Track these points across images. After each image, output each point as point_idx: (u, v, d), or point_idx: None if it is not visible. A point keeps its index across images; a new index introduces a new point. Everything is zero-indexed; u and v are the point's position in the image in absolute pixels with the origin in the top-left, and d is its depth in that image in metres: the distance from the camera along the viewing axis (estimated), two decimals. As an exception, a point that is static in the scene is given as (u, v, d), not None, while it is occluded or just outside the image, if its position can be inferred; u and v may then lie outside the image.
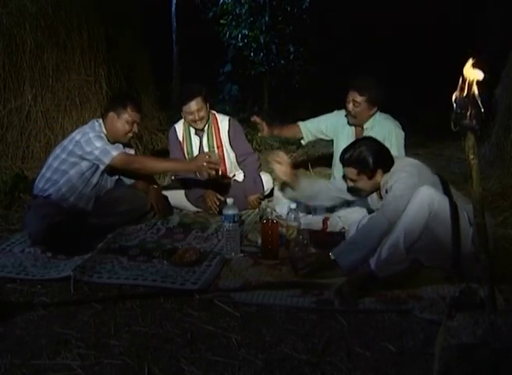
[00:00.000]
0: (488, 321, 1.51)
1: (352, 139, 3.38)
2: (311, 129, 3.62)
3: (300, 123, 3.66)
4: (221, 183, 3.61)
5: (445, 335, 1.52)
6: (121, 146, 3.15)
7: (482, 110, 1.62)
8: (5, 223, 3.29)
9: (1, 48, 4.05)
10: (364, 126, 3.34)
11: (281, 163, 2.87)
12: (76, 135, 3.04)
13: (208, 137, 3.59)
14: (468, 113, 1.61)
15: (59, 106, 4.30)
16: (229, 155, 3.65)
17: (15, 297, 2.37)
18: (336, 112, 3.54)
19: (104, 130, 3.09)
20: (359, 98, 3.21)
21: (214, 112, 3.66)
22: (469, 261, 2.31)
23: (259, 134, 3.58)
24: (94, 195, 3.16)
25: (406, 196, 2.37)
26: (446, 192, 2.44)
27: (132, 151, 3.33)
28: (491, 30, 6.44)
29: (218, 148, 3.60)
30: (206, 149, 3.59)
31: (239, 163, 3.69)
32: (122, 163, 3.03)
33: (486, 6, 6.88)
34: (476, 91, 1.61)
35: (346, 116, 3.38)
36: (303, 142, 3.78)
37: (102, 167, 3.04)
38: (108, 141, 3.08)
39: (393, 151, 3.22)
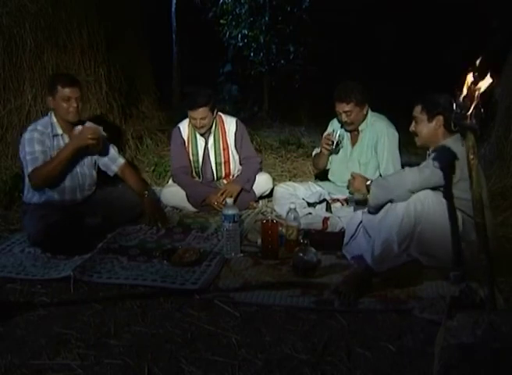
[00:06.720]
0: (488, 321, 1.51)
1: (349, 144, 3.40)
2: None
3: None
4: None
5: (445, 335, 1.52)
6: (40, 159, 2.98)
7: (482, 110, 1.62)
8: (5, 223, 3.29)
9: (1, 48, 4.04)
10: (360, 128, 3.34)
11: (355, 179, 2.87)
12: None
13: (215, 138, 3.59)
14: (468, 113, 1.61)
15: (59, 106, 4.29)
16: (234, 157, 3.66)
17: (15, 297, 2.37)
18: (330, 124, 3.52)
19: (54, 118, 3.09)
20: (348, 107, 3.20)
21: (220, 113, 3.65)
22: (470, 261, 2.33)
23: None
24: (77, 184, 3.12)
25: (423, 175, 2.43)
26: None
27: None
28: (491, 30, 6.44)
29: (223, 150, 3.60)
30: (212, 151, 3.60)
31: (241, 165, 3.69)
32: (32, 180, 2.99)
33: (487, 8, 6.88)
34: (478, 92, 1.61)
35: (342, 127, 3.37)
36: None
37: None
38: (61, 127, 3.07)
39: (385, 154, 3.24)
